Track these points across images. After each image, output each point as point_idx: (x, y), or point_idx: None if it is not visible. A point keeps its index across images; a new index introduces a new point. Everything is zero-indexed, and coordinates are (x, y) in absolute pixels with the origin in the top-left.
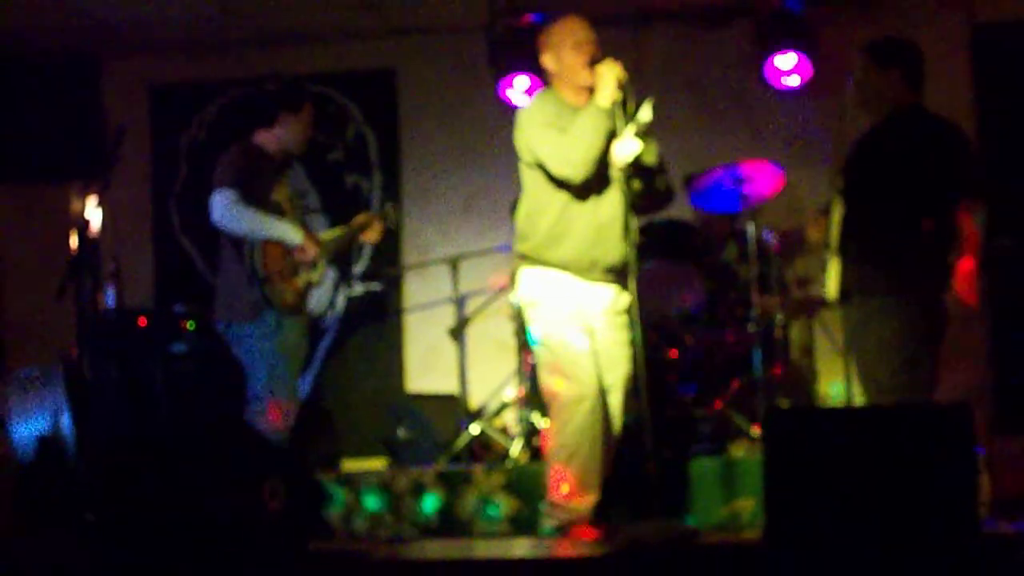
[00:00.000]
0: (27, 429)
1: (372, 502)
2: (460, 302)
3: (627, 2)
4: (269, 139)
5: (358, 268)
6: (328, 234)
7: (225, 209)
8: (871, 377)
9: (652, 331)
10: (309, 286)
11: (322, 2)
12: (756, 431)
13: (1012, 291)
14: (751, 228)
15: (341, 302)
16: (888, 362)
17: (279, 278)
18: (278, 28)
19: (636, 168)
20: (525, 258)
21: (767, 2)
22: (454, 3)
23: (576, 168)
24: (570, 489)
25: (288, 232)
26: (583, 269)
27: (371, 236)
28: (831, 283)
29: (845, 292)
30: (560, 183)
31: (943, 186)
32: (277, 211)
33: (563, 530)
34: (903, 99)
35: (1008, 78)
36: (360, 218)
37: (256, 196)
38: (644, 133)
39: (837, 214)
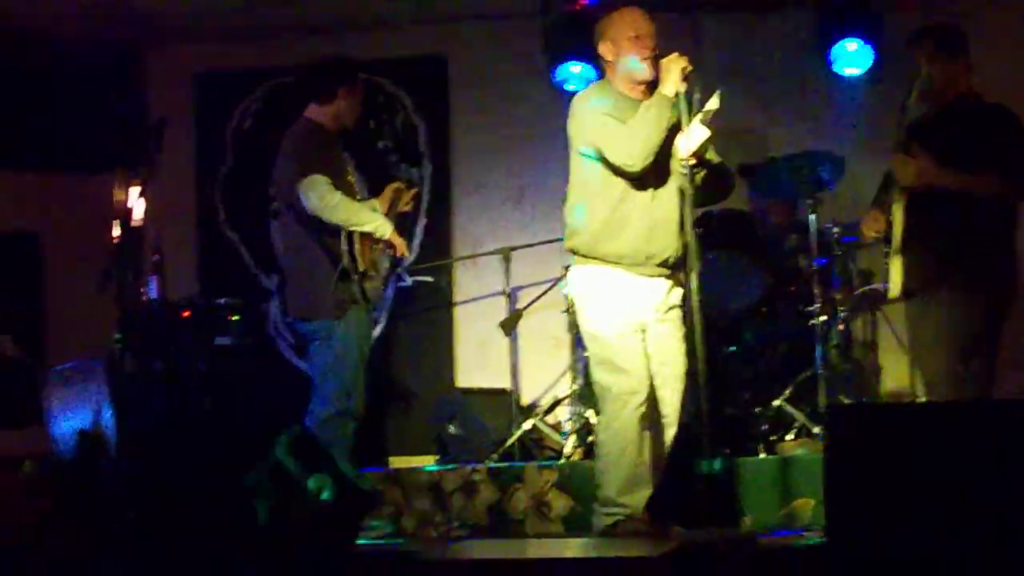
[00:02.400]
0: (68, 424)
1: (421, 500)
2: (512, 295)
3: None
4: (326, 115)
5: (408, 259)
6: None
7: (321, 197)
8: (927, 368)
9: (710, 326)
10: (391, 275)
11: None
12: (817, 428)
13: None
14: (812, 219)
15: (390, 294)
16: (946, 353)
17: (373, 271)
18: (325, 14)
19: (700, 159)
20: (577, 253)
21: None
22: None
23: (637, 157)
24: (620, 485)
25: (382, 225)
26: (638, 263)
27: (406, 205)
28: (895, 281)
29: (908, 290)
30: (618, 173)
31: (1011, 175)
32: (352, 193)
33: (615, 527)
34: (966, 87)
35: None
36: (389, 191)
37: (337, 179)
38: (709, 121)
39: (899, 210)
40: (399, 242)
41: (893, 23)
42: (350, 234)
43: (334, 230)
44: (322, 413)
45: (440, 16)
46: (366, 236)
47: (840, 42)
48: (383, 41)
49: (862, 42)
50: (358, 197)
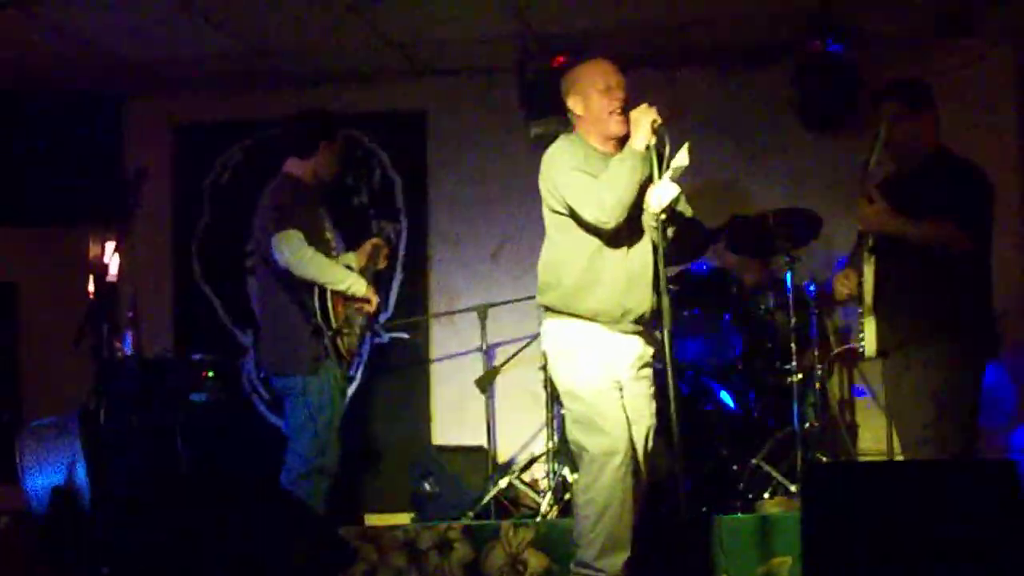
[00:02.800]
0: (42, 480)
1: (397, 558)
2: (488, 352)
3: (664, 42)
4: (305, 170)
5: (384, 316)
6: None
7: (293, 252)
8: (906, 428)
9: (687, 382)
10: (365, 332)
11: (350, 42)
12: (794, 486)
13: None
14: (789, 277)
15: (366, 351)
16: (924, 413)
17: (346, 327)
18: (305, 69)
19: (671, 214)
20: (551, 310)
21: (808, 44)
22: (485, 44)
23: (610, 213)
24: (599, 548)
25: (355, 284)
26: (614, 319)
27: (383, 262)
28: (869, 340)
29: (883, 349)
30: (591, 229)
31: (978, 233)
32: (327, 251)
33: None
34: (931, 143)
35: None
36: (368, 246)
37: (313, 235)
38: (680, 178)
39: (869, 269)
40: (373, 299)
41: (873, 79)
42: (323, 291)
43: (308, 286)
44: (297, 469)
45: (419, 71)
46: (339, 293)
47: (818, 98)
48: (362, 95)
49: (839, 99)
50: (334, 254)
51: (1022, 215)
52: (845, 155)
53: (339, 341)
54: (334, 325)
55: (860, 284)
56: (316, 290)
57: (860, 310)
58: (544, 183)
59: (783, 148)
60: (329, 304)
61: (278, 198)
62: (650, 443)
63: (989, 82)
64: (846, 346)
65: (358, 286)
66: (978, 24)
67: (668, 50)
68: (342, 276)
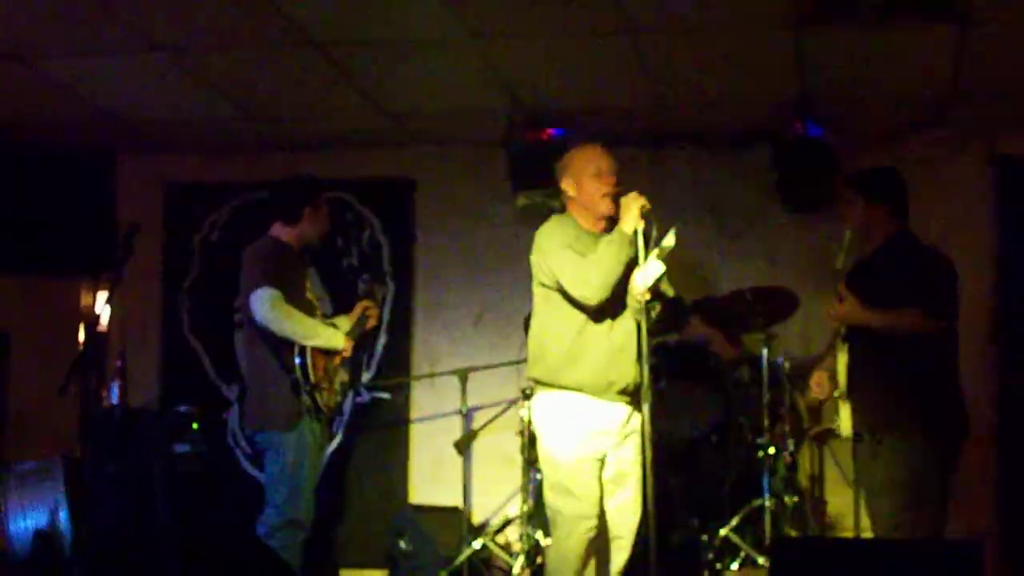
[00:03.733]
0: (24, 524)
1: None
2: (467, 415)
3: (647, 122)
4: (291, 235)
5: (367, 376)
6: (342, 326)
7: (270, 309)
8: (879, 513)
9: (660, 453)
10: (346, 388)
11: (342, 109)
12: (762, 559)
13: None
14: (764, 353)
15: (348, 409)
16: (894, 499)
17: (326, 383)
18: (296, 133)
19: (655, 293)
20: (539, 382)
21: (788, 127)
22: (474, 115)
23: (595, 291)
24: None
25: (332, 337)
26: (599, 390)
27: (372, 322)
28: (844, 421)
29: (857, 432)
30: (577, 305)
31: (942, 316)
32: (310, 309)
33: None
34: (891, 228)
35: None
36: (358, 308)
37: (293, 294)
38: (666, 259)
39: (842, 355)
40: (348, 347)
41: (850, 165)
42: (303, 347)
43: (289, 343)
44: (273, 522)
45: (410, 140)
46: (319, 349)
47: (797, 181)
48: (353, 160)
49: (817, 182)
50: (318, 314)
51: (995, 303)
52: (821, 236)
53: (318, 396)
54: (312, 380)
55: (833, 384)
56: (296, 347)
57: (836, 395)
58: (535, 259)
59: (761, 228)
60: (308, 360)
61: (258, 258)
62: (636, 508)
63: (964, 172)
64: (823, 427)
65: (335, 340)
66: (953, 115)
67: (652, 130)
68: (319, 331)
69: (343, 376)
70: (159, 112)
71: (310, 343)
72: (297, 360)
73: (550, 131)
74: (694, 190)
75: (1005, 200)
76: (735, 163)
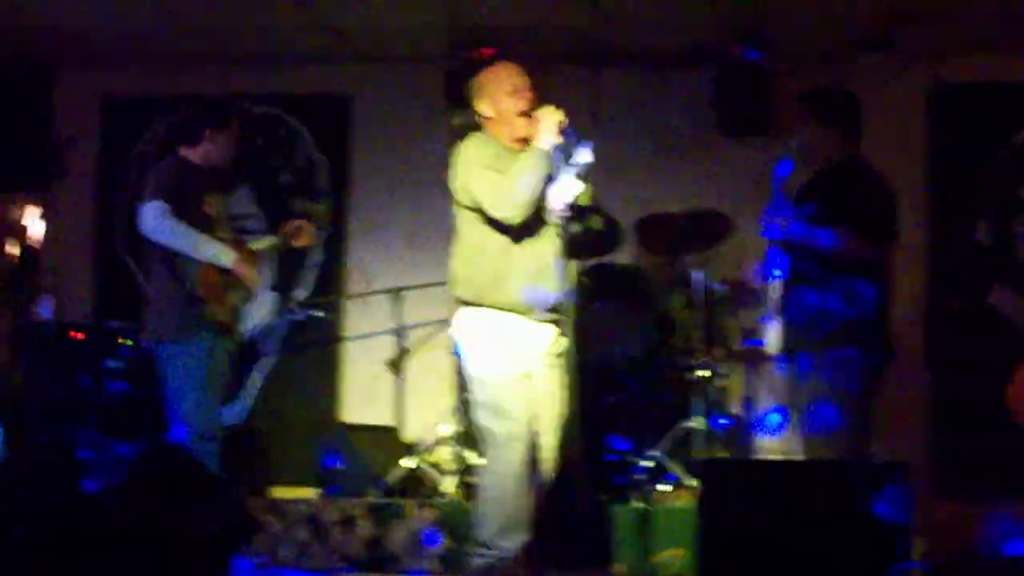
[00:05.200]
0: None
1: (300, 531)
2: (401, 334)
3: (587, 41)
4: (195, 155)
5: (300, 294)
6: (260, 244)
7: (155, 221)
8: (801, 430)
9: (592, 375)
10: (240, 304)
11: (281, 24)
12: (692, 480)
13: (957, 355)
14: (699, 275)
15: (282, 327)
16: (822, 415)
17: (214, 297)
18: (235, 47)
19: (574, 209)
20: (465, 302)
21: (726, 50)
22: (414, 32)
23: (514, 209)
24: (499, 527)
25: (220, 253)
26: (524, 310)
27: (303, 240)
28: (772, 338)
29: (787, 348)
30: (498, 225)
31: (877, 239)
32: (207, 224)
33: (492, 570)
34: (840, 151)
35: (964, 139)
36: (289, 226)
37: (187, 209)
38: (583, 176)
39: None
40: (247, 273)
41: (787, 87)
42: (192, 260)
43: (181, 257)
44: (178, 436)
45: (348, 56)
46: (211, 265)
47: (734, 103)
48: (289, 77)
49: (754, 104)
50: (221, 231)
51: (926, 227)
52: (758, 159)
53: (206, 310)
54: (199, 293)
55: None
56: (187, 261)
57: (768, 310)
58: (454, 179)
59: (699, 151)
60: (195, 274)
61: (153, 174)
62: (559, 430)
63: (904, 96)
64: (749, 344)
65: (222, 256)
66: (895, 41)
67: (591, 48)
68: (206, 246)
69: (238, 293)
70: (96, 23)
71: (192, 254)
72: (185, 272)
73: (489, 50)
74: (633, 111)
75: (940, 126)
76: (674, 85)
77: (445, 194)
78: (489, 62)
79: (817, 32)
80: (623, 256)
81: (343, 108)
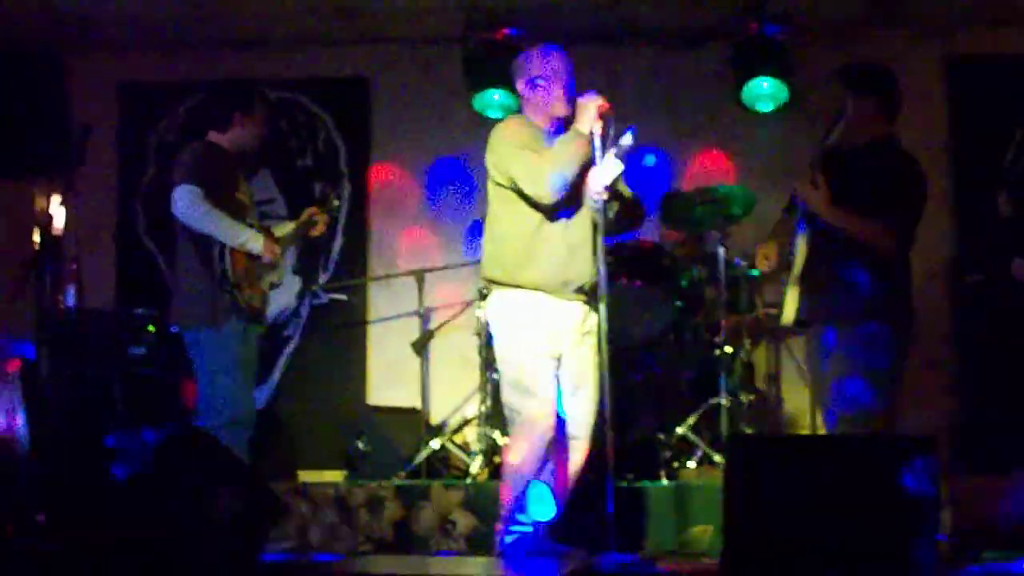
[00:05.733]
0: None
1: (328, 514)
2: (425, 316)
3: (604, 20)
4: (224, 139)
5: (324, 278)
6: (280, 230)
7: (189, 205)
8: (829, 406)
9: (617, 353)
10: (271, 290)
11: (296, 7)
12: (718, 457)
13: (980, 328)
14: (721, 251)
15: (305, 311)
16: (846, 392)
17: (247, 283)
18: (251, 32)
19: (613, 193)
20: (495, 281)
21: (745, 26)
22: (430, 14)
23: (550, 189)
24: (523, 505)
25: (251, 240)
26: (556, 288)
27: (319, 230)
28: (788, 309)
29: (800, 319)
30: (532, 204)
31: (908, 220)
32: (239, 210)
33: (518, 547)
34: (877, 130)
35: (983, 112)
36: (305, 215)
37: (219, 194)
38: (623, 156)
39: (803, 240)
40: (271, 252)
41: (806, 63)
42: (223, 246)
43: (213, 242)
44: (212, 424)
45: (364, 38)
46: (241, 250)
47: (754, 79)
48: (308, 60)
49: (774, 80)
50: (250, 217)
51: (947, 202)
52: (777, 134)
53: (238, 295)
54: (231, 279)
55: (781, 257)
56: (218, 246)
57: (785, 279)
58: (489, 158)
59: (718, 126)
60: (227, 259)
61: (185, 158)
62: (591, 408)
63: (919, 70)
64: (763, 310)
65: (253, 242)
66: (907, 14)
67: (608, 27)
68: (238, 231)
69: (269, 278)
70: (112, 9)
71: (228, 242)
72: (218, 259)
73: (506, 30)
74: (651, 89)
75: (958, 97)
76: (692, 62)
77: (466, 175)
78: (507, 43)
79: (830, 6)
80: (645, 234)
81: (362, 91)
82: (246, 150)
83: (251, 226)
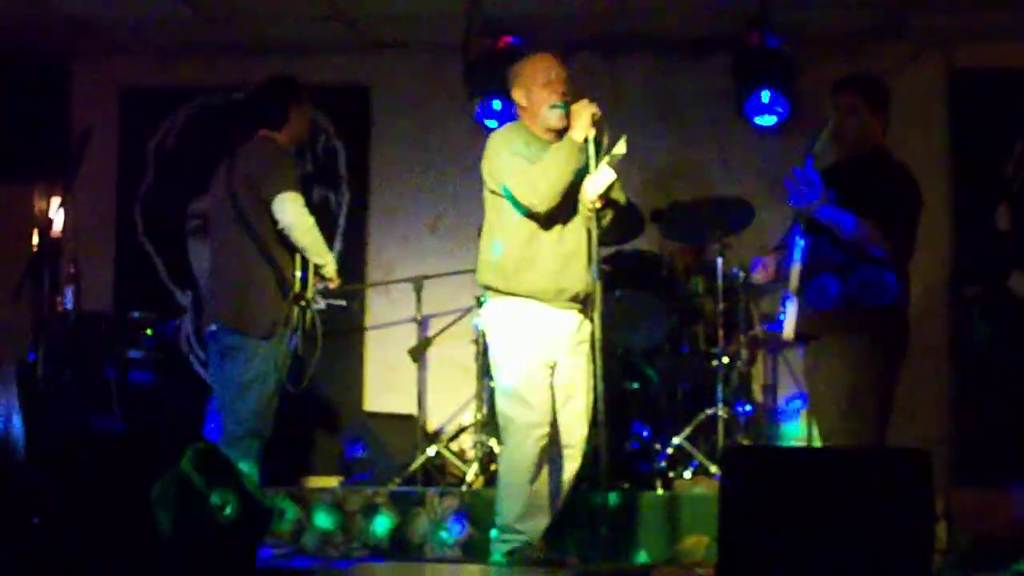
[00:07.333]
0: None
1: (323, 520)
2: (422, 323)
3: (606, 30)
4: (283, 137)
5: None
6: None
7: (300, 214)
8: (822, 417)
9: (614, 362)
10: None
11: (298, 13)
12: (714, 467)
13: (976, 341)
14: (720, 262)
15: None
16: (837, 404)
17: (313, 303)
18: (252, 37)
19: (607, 201)
20: (491, 289)
21: (747, 37)
22: (432, 21)
23: (542, 198)
24: (518, 513)
25: (332, 263)
26: (551, 296)
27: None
28: (788, 324)
29: (800, 333)
30: (526, 212)
31: (902, 238)
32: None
33: (512, 555)
34: (876, 141)
35: (984, 125)
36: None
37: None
38: (617, 165)
39: (800, 253)
40: (336, 281)
41: (808, 76)
42: (305, 261)
43: (291, 252)
44: (233, 431)
45: (365, 45)
46: (306, 261)
47: (754, 91)
48: (307, 66)
49: (776, 92)
50: None
51: (947, 215)
52: (778, 146)
53: (307, 312)
54: (308, 296)
55: (776, 271)
56: (299, 259)
57: (787, 293)
58: (485, 165)
59: (719, 137)
60: (310, 276)
61: (271, 160)
62: (585, 416)
63: (920, 84)
64: (764, 327)
65: (333, 267)
66: (909, 27)
67: (610, 37)
68: (326, 250)
69: (318, 293)
70: (114, 13)
71: (314, 260)
72: (300, 273)
73: (507, 39)
74: (650, 98)
75: (959, 111)
76: (692, 71)
77: (465, 182)
78: (507, 52)
79: (833, 19)
80: (644, 243)
81: (363, 97)
82: (300, 142)
83: None
